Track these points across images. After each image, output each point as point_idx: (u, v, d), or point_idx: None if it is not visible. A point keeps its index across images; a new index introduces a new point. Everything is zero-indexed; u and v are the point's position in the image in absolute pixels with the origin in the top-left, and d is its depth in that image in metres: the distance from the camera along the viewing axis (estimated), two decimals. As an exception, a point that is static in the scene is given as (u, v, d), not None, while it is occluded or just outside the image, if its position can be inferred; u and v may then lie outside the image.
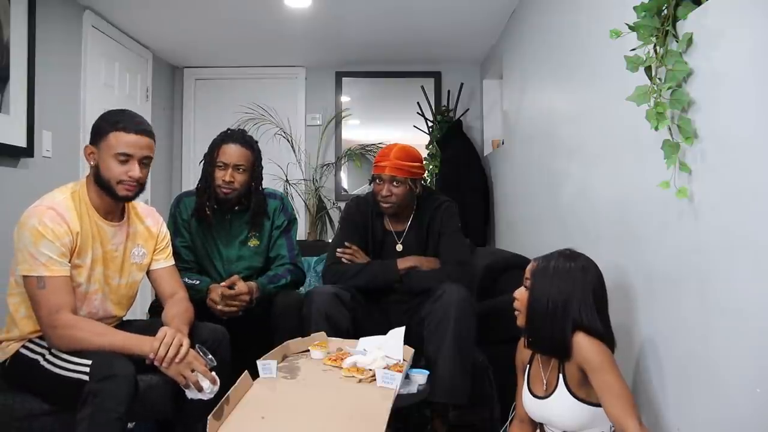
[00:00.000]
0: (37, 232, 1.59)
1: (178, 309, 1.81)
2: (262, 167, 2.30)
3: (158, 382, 1.71)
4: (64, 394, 1.53)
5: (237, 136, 2.23)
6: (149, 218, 1.92)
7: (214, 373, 1.62)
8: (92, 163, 1.72)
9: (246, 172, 2.21)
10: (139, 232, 1.86)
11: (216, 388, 1.60)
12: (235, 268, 2.26)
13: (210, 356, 1.65)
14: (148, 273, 1.92)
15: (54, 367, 1.58)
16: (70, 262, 1.65)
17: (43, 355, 1.63)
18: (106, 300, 1.78)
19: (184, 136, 4.53)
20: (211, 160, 2.21)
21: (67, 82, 3.04)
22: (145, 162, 1.74)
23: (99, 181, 1.71)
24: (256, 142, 2.30)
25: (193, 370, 1.58)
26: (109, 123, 1.70)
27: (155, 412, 1.77)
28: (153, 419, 1.84)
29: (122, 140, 1.68)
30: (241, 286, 2.11)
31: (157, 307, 2.17)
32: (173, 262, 1.96)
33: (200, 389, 1.58)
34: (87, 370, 1.52)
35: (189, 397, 1.60)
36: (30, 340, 1.67)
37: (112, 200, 1.74)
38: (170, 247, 1.96)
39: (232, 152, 2.19)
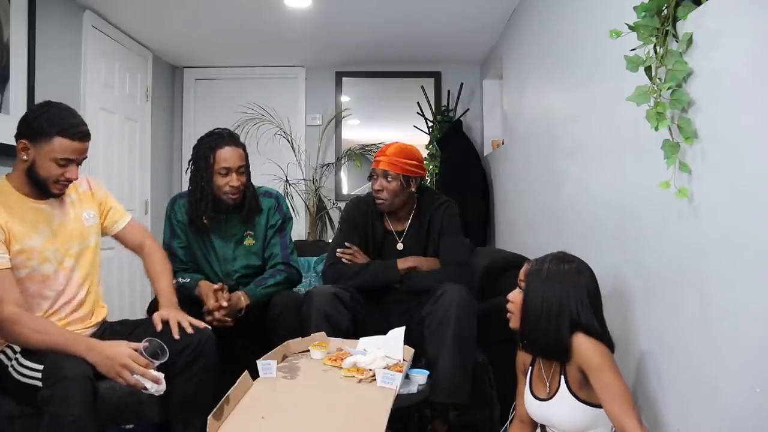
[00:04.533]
0: None
1: (160, 279, 1.94)
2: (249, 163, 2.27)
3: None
4: (30, 400, 1.52)
5: (228, 138, 2.18)
6: (82, 185, 1.91)
7: (155, 372, 1.56)
8: (25, 158, 1.68)
9: (246, 172, 2.20)
10: (81, 198, 1.87)
11: (162, 387, 1.56)
12: (232, 267, 2.26)
13: (156, 357, 1.58)
14: (115, 237, 1.99)
15: (17, 374, 1.58)
16: (9, 253, 1.63)
17: (10, 360, 1.62)
18: (72, 272, 1.78)
19: (184, 136, 4.53)
20: (207, 166, 2.14)
21: (67, 82, 3.04)
22: (80, 162, 1.75)
23: (32, 176, 1.70)
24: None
25: (133, 373, 1.54)
26: (51, 124, 1.66)
27: (142, 417, 1.75)
28: (141, 423, 1.83)
29: (66, 146, 1.67)
30: (223, 298, 2.06)
31: (155, 308, 2.16)
32: (129, 217, 2.03)
33: (144, 389, 1.55)
34: (40, 375, 1.51)
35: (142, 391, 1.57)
36: (8, 345, 1.66)
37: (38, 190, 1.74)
38: (119, 206, 2.01)
39: (232, 156, 2.15)
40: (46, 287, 1.72)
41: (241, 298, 2.11)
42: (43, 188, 1.72)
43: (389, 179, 2.19)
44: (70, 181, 1.73)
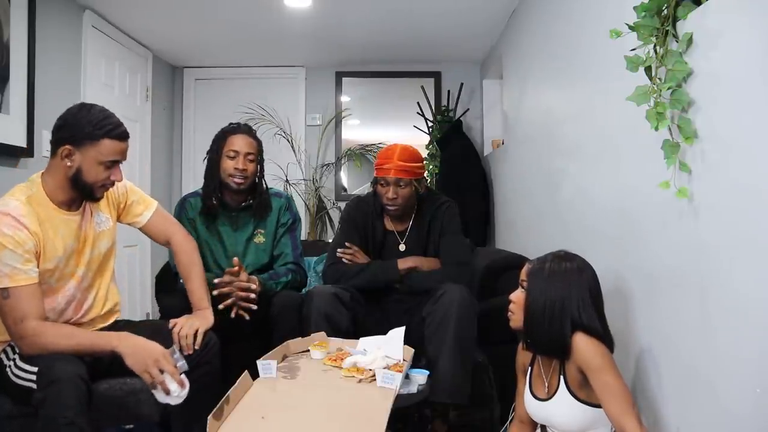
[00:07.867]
0: None
1: (189, 279, 1.90)
2: (263, 160, 2.33)
3: (143, 386, 1.68)
4: (26, 401, 1.51)
5: (243, 127, 2.29)
6: None
7: (183, 377, 1.57)
8: (69, 164, 1.64)
9: (254, 162, 2.25)
10: (99, 204, 1.83)
11: (185, 393, 1.55)
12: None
13: (183, 361, 1.59)
14: (141, 229, 1.96)
15: (14, 376, 1.57)
16: (38, 267, 1.60)
17: (9, 361, 1.61)
18: (82, 281, 1.75)
19: (184, 136, 4.53)
20: (217, 149, 2.23)
21: (67, 82, 3.04)
22: (122, 163, 1.74)
23: (76, 182, 1.66)
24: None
25: (162, 371, 1.54)
26: (97, 127, 1.63)
27: (141, 417, 1.74)
28: (141, 423, 1.83)
29: (114, 148, 1.66)
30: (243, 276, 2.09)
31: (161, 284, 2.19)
32: (155, 207, 1.96)
33: (167, 392, 1.53)
34: (35, 378, 1.50)
35: (158, 400, 1.56)
36: (9, 345, 1.65)
37: (80, 194, 1.72)
38: (141, 198, 1.94)
39: (242, 142, 2.23)
40: (57, 297, 1.69)
41: (257, 281, 2.12)
42: (89, 194, 1.70)
43: (402, 185, 2.18)
44: (113, 183, 1.72)
